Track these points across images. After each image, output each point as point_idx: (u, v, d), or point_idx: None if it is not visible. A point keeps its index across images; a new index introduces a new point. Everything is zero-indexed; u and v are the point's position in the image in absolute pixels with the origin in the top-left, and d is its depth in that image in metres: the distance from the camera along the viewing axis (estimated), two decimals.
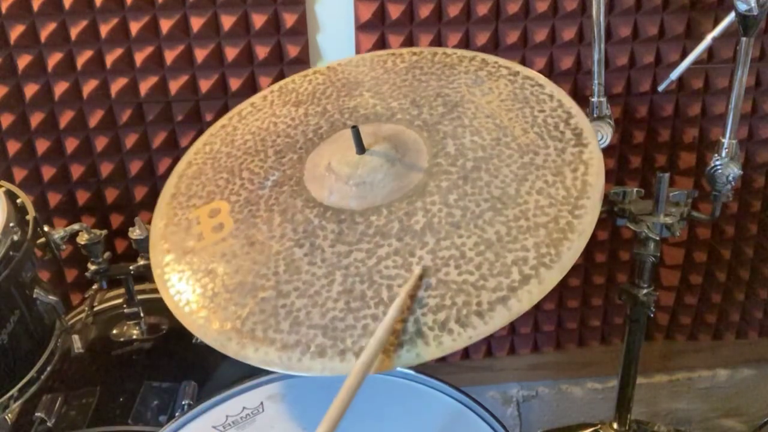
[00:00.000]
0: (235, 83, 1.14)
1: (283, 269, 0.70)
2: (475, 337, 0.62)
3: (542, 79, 0.83)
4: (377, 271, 0.67)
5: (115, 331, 1.06)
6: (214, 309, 0.69)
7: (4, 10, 1.06)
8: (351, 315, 0.65)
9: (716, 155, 0.95)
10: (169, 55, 1.11)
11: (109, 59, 1.11)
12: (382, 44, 1.12)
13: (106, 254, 1.03)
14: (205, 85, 1.13)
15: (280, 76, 1.14)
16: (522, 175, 0.72)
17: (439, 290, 0.64)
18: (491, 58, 0.88)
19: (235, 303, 0.69)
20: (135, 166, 1.19)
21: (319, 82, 0.92)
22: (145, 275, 1.03)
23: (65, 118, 1.14)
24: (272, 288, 0.69)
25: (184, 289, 0.73)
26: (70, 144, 1.16)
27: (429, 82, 0.87)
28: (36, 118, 1.14)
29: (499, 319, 0.62)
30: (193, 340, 1.04)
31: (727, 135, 0.94)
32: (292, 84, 0.94)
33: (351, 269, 0.68)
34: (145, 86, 1.13)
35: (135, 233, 1.00)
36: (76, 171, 1.18)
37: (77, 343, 1.03)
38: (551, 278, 0.64)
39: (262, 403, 0.84)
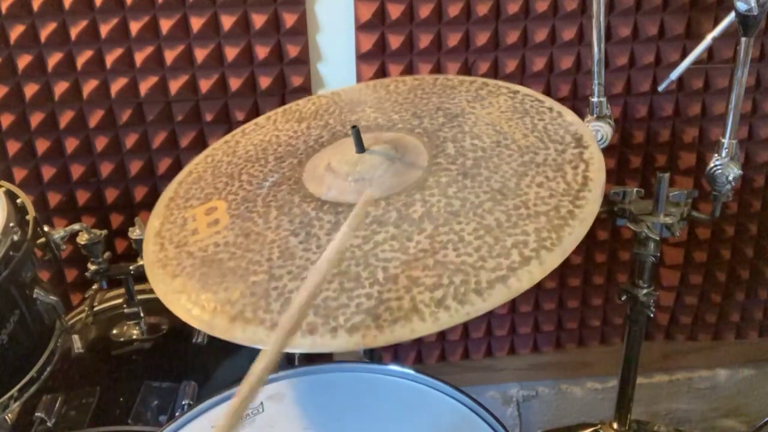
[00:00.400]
0: (235, 83, 1.14)
1: (276, 256, 0.70)
2: (473, 313, 0.61)
3: (541, 95, 0.85)
4: (373, 255, 0.67)
5: (115, 331, 1.06)
6: (203, 294, 0.69)
7: (4, 10, 1.06)
8: (344, 294, 0.65)
9: (716, 155, 0.95)
10: (169, 55, 1.11)
11: (109, 59, 1.11)
12: (381, 44, 1.12)
13: (106, 254, 1.03)
14: (205, 85, 1.13)
15: (280, 76, 1.14)
16: (522, 171, 0.73)
17: (436, 270, 0.64)
18: (491, 81, 0.90)
19: (226, 287, 0.69)
20: (135, 166, 1.19)
21: (323, 103, 0.94)
22: (145, 275, 1.02)
23: (65, 118, 1.15)
24: (264, 272, 0.69)
25: (174, 278, 0.72)
26: (70, 144, 1.16)
27: (430, 99, 0.88)
28: (36, 118, 1.14)
29: (498, 297, 0.62)
30: (193, 340, 1.04)
31: (727, 135, 0.94)
32: (296, 106, 0.96)
33: (346, 254, 0.68)
34: (145, 86, 1.13)
35: (135, 233, 1.00)
36: (76, 171, 1.18)
37: (77, 343, 1.03)
38: (552, 260, 0.64)
39: (262, 403, 0.84)
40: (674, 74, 0.94)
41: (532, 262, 0.63)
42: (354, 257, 0.68)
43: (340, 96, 0.95)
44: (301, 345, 0.63)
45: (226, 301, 0.68)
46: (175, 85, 1.13)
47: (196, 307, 0.68)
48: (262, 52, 1.12)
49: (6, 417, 0.93)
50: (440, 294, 0.63)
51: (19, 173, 1.18)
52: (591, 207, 0.68)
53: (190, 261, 0.73)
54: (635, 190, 1.00)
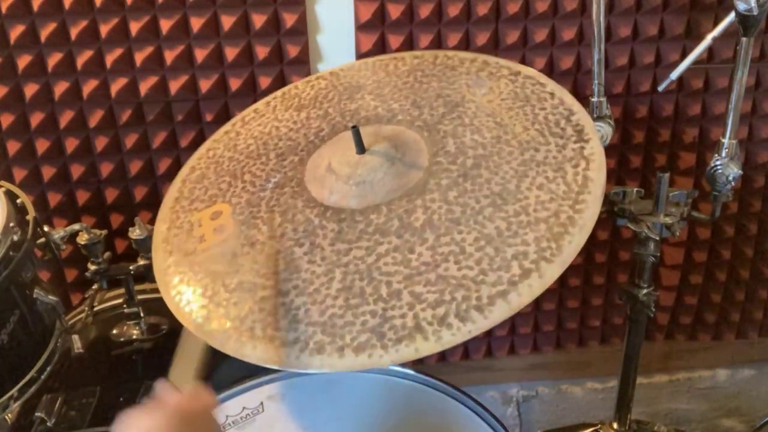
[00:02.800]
0: (235, 83, 1.14)
1: (282, 268, 0.70)
2: (474, 331, 0.62)
3: (543, 78, 0.83)
4: (376, 268, 0.67)
5: (115, 331, 1.06)
6: (213, 308, 0.69)
7: (4, 10, 1.06)
8: (350, 312, 0.65)
9: (716, 155, 0.95)
10: (169, 55, 1.11)
11: (109, 59, 1.11)
12: (382, 44, 1.12)
13: (106, 254, 1.03)
14: (205, 85, 1.13)
15: (280, 76, 1.14)
16: (522, 171, 0.72)
17: (438, 285, 0.64)
18: (492, 59, 0.88)
19: (235, 302, 0.69)
20: (135, 166, 1.19)
21: (322, 87, 0.93)
22: (145, 275, 1.02)
23: (65, 118, 1.14)
24: (271, 287, 0.69)
25: (184, 289, 0.73)
26: (70, 144, 1.16)
27: (430, 83, 0.87)
28: (36, 118, 1.14)
29: (499, 313, 0.62)
30: None
31: (727, 135, 0.94)
32: (295, 90, 0.95)
33: (350, 267, 0.68)
34: (145, 86, 1.13)
35: (135, 233, 1.00)
36: (76, 171, 1.18)
37: (77, 343, 1.03)
38: (552, 272, 0.64)
39: (262, 403, 0.85)
40: (674, 74, 0.94)
41: (532, 275, 0.63)
42: (358, 271, 0.67)
43: (339, 78, 0.94)
44: (310, 365, 0.63)
45: (237, 317, 0.68)
46: (175, 85, 1.13)
47: (208, 323, 0.69)
48: (262, 52, 1.12)
49: (6, 417, 0.93)
50: (442, 311, 0.63)
51: (19, 173, 1.17)
52: (591, 211, 0.67)
53: (199, 272, 0.73)
54: (635, 190, 0.99)
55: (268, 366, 0.65)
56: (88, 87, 1.12)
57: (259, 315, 0.67)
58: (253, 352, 0.66)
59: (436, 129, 0.80)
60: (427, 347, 0.62)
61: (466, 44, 1.13)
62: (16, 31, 1.07)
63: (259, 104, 0.95)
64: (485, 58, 0.88)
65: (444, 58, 0.90)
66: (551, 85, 0.82)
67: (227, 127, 0.93)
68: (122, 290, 1.06)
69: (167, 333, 1.06)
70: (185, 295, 0.72)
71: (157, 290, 0.76)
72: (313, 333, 0.64)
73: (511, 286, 0.63)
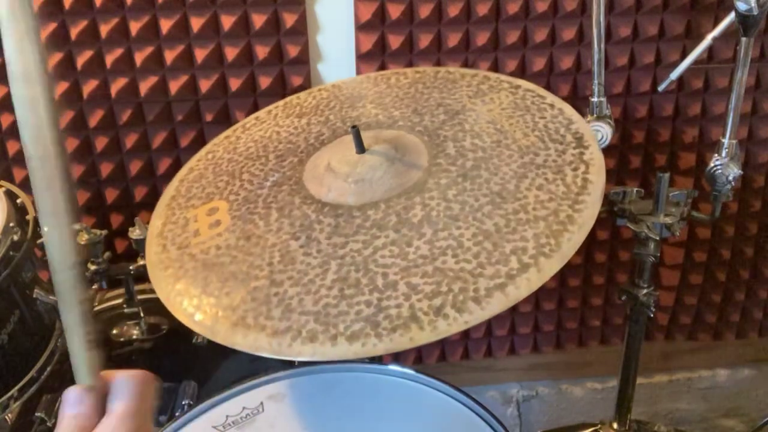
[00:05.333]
0: (235, 83, 1.14)
1: (277, 260, 0.70)
2: (471, 322, 0.61)
3: (543, 91, 0.84)
4: (373, 260, 0.67)
5: (115, 331, 1.06)
6: (205, 298, 0.69)
7: None
8: (344, 301, 0.65)
9: (716, 155, 0.95)
10: (169, 55, 1.11)
11: (109, 59, 1.11)
12: (382, 44, 1.12)
13: (106, 254, 1.03)
14: (205, 85, 1.13)
15: (280, 76, 1.14)
16: (522, 173, 0.73)
17: (435, 277, 0.64)
18: (492, 74, 0.89)
19: (227, 292, 0.69)
20: (135, 166, 1.19)
21: (324, 97, 0.94)
22: (145, 275, 1.02)
23: (65, 118, 1.14)
24: (265, 277, 0.69)
25: (176, 280, 0.73)
26: (71, 144, 1.16)
27: (431, 94, 0.88)
28: None
29: (496, 305, 0.62)
30: (193, 340, 1.04)
31: (727, 135, 0.94)
32: (297, 100, 0.95)
33: (346, 259, 0.68)
34: (145, 86, 1.13)
35: (135, 233, 1.00)
36: (76, 171, 1.18)
37: None
38: (550, 267, 0.64)
39: (262, 403, 0.85)
40: (674, 74, 0.94)
41: (530, 269, 0.63)
42: (354, 263, 0.68)
43: (341, 89, 0.95)
44: (302, 353, 0.63)
45: (228, 306, 0.68)
46: (175, 85, 1.13)
47: (198, 312, 0.68)
48: (262, 52, 1.12)
49: (6, 417, 0.93)
50: (439, 302, 0.63)
51: (19, 173, 1.17)
52: (590, 211, 0.68)
53: (192, 264, 0.73)
54: (635, 190, 1.00)
55: (259, 354, 0.65)
56: (88, 87, 1.13)
57: (252, 304, 0.67)
58: (244, 341, 0.65)
59: (436, 134, 0.80)
60: (422, 336, 0.61)
61: (466, 44, 1.13)
62: None
63: (261, 113, 0.96)
64: (486, 74, 0.89)
65: (445, 73, 0.92)
66: (551, 97, 0.83)
67: (227, 132, 0.93)
68: (122, 290, 1.06)
69: (167, 333, 1.06)
70: (176, 285, 0.72)
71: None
72: (306, 322, 0.64)
73: (509, 279, 0.63)
